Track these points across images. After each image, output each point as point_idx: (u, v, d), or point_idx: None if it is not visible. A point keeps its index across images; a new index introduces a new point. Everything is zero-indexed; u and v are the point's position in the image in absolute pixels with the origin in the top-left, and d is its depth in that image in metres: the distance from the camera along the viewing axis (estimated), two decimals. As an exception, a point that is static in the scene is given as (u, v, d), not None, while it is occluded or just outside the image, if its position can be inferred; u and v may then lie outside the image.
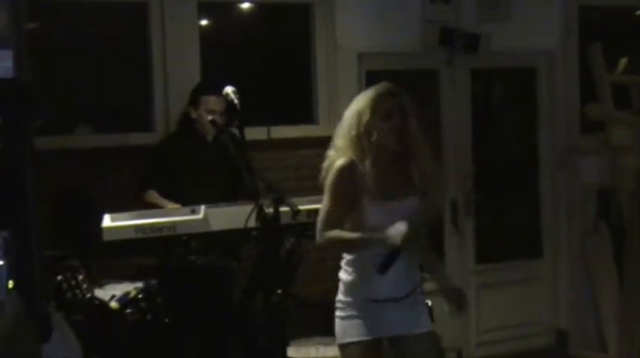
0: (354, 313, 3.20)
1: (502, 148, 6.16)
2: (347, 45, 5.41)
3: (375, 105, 3.13)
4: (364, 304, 3.19)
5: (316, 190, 5.07)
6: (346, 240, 3.14)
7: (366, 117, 3.12)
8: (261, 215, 3.60)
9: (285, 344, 3.95)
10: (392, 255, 3.04)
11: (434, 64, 5.75)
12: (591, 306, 5.86)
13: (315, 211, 4.14)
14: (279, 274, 3.73)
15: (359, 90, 5.31)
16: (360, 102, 3.19)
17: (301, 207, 3.80)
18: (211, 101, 4.47)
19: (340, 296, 3.27)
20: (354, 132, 3.14)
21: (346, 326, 3.22)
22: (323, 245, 3.19)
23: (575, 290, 6.00)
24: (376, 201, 3.13)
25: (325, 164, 3.24)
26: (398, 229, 3.02)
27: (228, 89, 3.76)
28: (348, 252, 3.20)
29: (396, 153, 3.18)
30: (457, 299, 3.29)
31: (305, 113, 5.45)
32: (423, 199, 3.18)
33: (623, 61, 5.89)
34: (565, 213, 6.07)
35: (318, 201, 4.17)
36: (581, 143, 6.05)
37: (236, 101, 3.72)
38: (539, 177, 6.15)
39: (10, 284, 1.81)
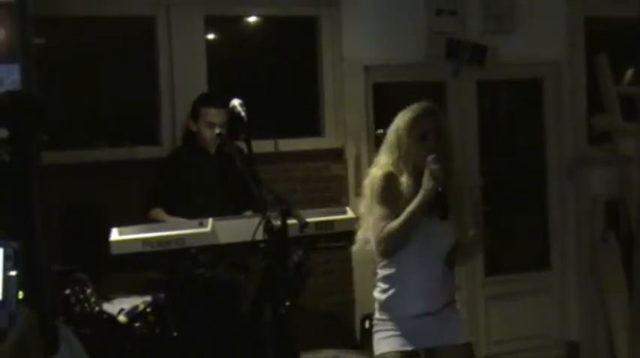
0: (390, 328, 3.27)
1: (509, 160, 6.14)
2: (353, 57, 5.41)
3: (412, 125, 3.22)
4: (400, 321, 3.25)
5: (325, 202, 5.13)
6: (401, 222, 3.14)
7: (403, 139, 3.22)
8: (268, 227, 3.59)
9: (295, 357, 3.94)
10: (440, 198, 3.10)
11: (440, 75, 5.74)
12: (601, 317, 5.83)
13: (323, 223, 4.19)
14: (287, 287, 3.71)
15: (365, 103, 5.48)
16: (399, 122, 3.27)
17: (309, 220, 3.77)
18: (211, 113, 4.44)
19: (376, 315, 3.33)
20: (395, 153, 3.24)
21: (382, 339, 3.29)
22: (386, 247, 3.18)
23: (585, 302, 5.97)
24: None
25: (366, 180, 3.31)
26: (426, 180, 3.12)
27: (235, 102, 3.75)
28: (407, 232, 3.15)
29: None
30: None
31: (312, 126, 5.45)
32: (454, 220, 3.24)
33: (629, 72, 5.87)
34: (573, 225, 6.05)
35: (327, 214, 4.24)
36: (588, 154, 6.03)
37: (243, 113, 3.72)
38: (547, 188, 6.13)
39: (20, 295, 1.83)
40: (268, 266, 3.77)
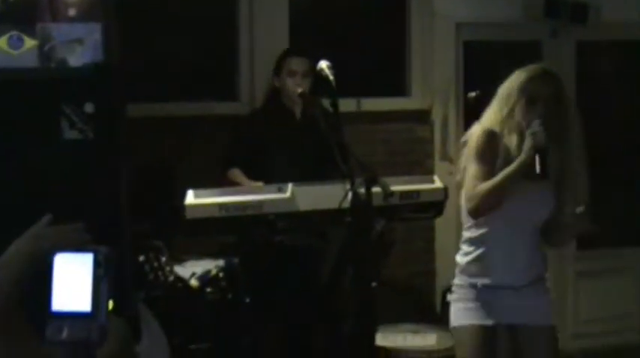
0: (469, 297, 3.17)
1: (610, 128, 5.85)
2: (444, 13, 5.22)
3: (524, 87, 3.13)
4: (481, 289, 3.15)
5: (407, 166, 4.94)
6: (496, 182, 3.05)
7: (513, 99, 3.13)
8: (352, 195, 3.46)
9: (373, 332, 3.79)
10: (543, 156, 3.01)
11: (537, 35, 5.52)
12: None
13: (409, 193, 4.00)
14: (369, 257, 3.59)
15: (455, 62, 5.28)
16: (513, 82, 3.18)
17: (394, 188, 3.62)
18: (293, 62, 4.31)
19: (456, 280, 3.24)
20: (503, 111, 3.15)
21: (460, 310, 3.19)
22: (475, 205, 3.07)
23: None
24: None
25: (465, 137, 3.24)
26: (527, 141, 3.04)
27: (323, 64, 3.61)
28: (501, 193, 3.05)
29: None
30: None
31: (397, 85, 5.30)
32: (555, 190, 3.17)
33: None
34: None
35: (413, 182, 4.06)
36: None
37: (331, 77, 3.58)
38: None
39: (110, 305, 1.65)
40: (350, 235, 3.64)
